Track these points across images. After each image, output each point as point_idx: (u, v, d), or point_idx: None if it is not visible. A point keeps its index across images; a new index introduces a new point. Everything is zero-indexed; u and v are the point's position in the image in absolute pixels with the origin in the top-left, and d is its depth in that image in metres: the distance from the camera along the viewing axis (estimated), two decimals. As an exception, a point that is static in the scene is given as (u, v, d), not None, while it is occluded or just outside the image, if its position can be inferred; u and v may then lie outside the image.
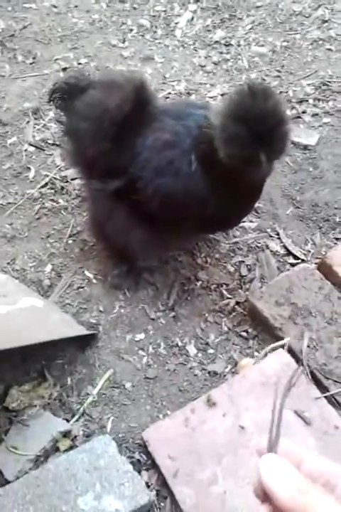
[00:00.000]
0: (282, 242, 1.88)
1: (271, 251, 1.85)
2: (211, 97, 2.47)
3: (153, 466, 1.35)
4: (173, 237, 1.72)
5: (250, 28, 2.91)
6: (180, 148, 1.54)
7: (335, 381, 1.43)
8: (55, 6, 3.09)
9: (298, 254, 1.83)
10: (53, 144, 2.27)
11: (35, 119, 2.40)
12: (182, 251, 1.85)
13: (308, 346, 1.50)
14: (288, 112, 2.36)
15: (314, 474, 0.64)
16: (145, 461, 1.37)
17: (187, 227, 1.62)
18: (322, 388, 1.44)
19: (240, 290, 1.74)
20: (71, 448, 1.40)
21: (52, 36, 2.90)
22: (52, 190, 2.09)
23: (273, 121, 1.38)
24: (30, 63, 2.72)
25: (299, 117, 2.35)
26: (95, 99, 1.63)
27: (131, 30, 2.96)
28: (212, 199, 1.51)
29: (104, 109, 1.58)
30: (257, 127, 1.36)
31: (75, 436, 1.44)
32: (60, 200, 2.05)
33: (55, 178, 2.12)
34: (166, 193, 1.54)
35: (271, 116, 1.38)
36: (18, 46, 2.83)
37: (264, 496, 0.64)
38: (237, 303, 1.70)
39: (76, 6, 3.09)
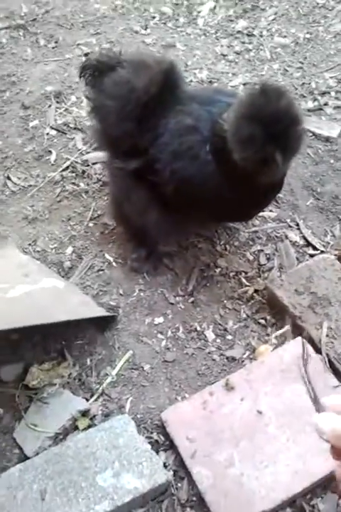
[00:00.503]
0: (301, 233, 1.89)
1: (290, 241, 1.87)
2: (233, 86, 2.48)
3: (171, 446, 1.38)
4: (190, 223, 1.74)
5: (273, 19, 2.92)
6: (200, 134, 1.55)
7: (353, 370, 1.45)
8: (78, -9, 3.11)
9: (317, 245, 1.85)
10: (75, 128, 2.30)
11: (57, 102, 2.42)
12: (202, 237, 1.87)
13: (327, 335, 1.52)
14: (310, 105, 2.38)
15: None
16: (163, 441, 1.40)
17: (203, 214, 1.64)
18: (341, 377, 1.46)
19: (259, 278, 1.76)
20: (89, 427, 1.43)
21: (74, 21, 2.92)
22: (73, 174, 2.11)
23: (288, 120, 1.39)
24: (53, 47, 2.75)
25: (321, 109, 2.35)
26: (123, 78, 1.65)
27: (154, 17, 2.97)
28: (229, 191, 1.53)
29: (131, 89, 1.60)
30: (272, 127, 1.36)
31: (94, 416, 1.46)
32: (81, 184, 2.07)
33: (76, 162, 2.15)
34: (182, 177, 1.56)
35: (285, 115, 1.38)
36: (41, 30, 2.86)
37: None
38: (256, 291, 1.72)
39: (99, -8, 3.11)
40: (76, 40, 2.79)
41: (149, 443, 1.37)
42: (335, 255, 1.76)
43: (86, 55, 2.69)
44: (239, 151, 1.43)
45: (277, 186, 1.63)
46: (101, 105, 1.70)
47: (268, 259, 1.82)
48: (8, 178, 2.11)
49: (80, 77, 1.79)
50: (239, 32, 2.85)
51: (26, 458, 1.38)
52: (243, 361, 1.56)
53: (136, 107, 1.60)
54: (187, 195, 1.57)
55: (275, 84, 1.54)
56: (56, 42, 2.79)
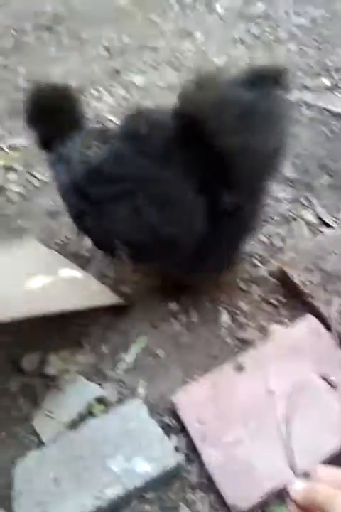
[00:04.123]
0: (315, 212, 1.84)
1: (304, 221, 1.81)
2: (249, 70, 2.43)
3: (182, 429, 1.35)
4: None
5: (290, 0, 2.84)
6: None
7: (364, 347, 1.40)
8: (99, -13, 3.10)
9: (330, 223, 1.79)
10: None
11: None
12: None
13: (338, 312, 1.47)
14: (326, 82, 2.31)
15: None
16: (174, 425, 1.37)
17: None
18: (351, 354, 1.41)
19: (272, 260, 1.71)
20: (104, 413, 1.42)
21: (96, 18, 2.90)
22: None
23: None
24: (75, 45, 2.74)
25: (337, 86, 2.28)
26: None
27: (172, 6, 2.93)
28: None
29: None
30: None
31: (109, 402, 1.45)
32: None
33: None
34: None
35: None
36: (64, 29, 2.85)
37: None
38: (269, 272, 1.68)
39: (118, -15, 3.10)
40: (98, 36, 2.77)
41: (161, 427, 1.35)
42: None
43: (107, 49, 2.67)
44: None
45: None
46: None
47: (281, 240, 1.77)
48: (31, 173, 2.11)
49: None
50: (256, 15, 2.78)
51: (43, 445, 1.38)
52: (255, 342, 1.52)
53: None
54: None
55: None
56: (79, 39, 2.78)
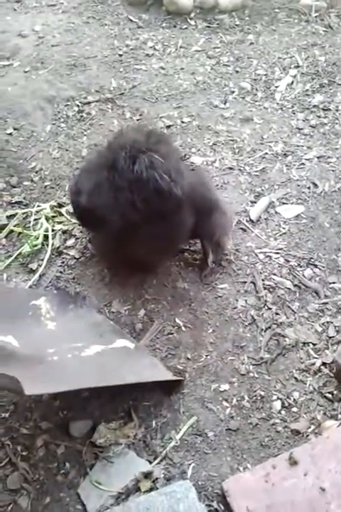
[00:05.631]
0: (373, 305, 1.82)
1: (360, 313, 1.80)
2: (307, 159, 2.46)
3: (231, 517, 1.32)
4: None
5: (348, 94, 2.89)
6: None
7: None
8: (163, 68, 3.19)
9: None
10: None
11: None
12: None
13: None
14: None
15: None
16: (223, 510, 1.34)
17: None
18: None
19: (327, 351, 1.69)
20: (151, 489, 1.40)
21: (158, 95, 2.99)
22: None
23: None
24: (137, 120, 2.81)
25: None
26: None
27: (233, 92, 3.00)
28: None
29: None
30: None
31: (156, 479, 1.43)
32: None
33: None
34: None
35: None
36: (127, 104, 2.93)
37: None
38: (324, 363, 1.66)
39: (182, 68, 3.18)
40: (159, 113, 2.84)
41: (209, 511, 1.32)
42: None
43: (168, 127, 2.74)
44: None
45: None
46: None
47: (337, 331, 1.75)
48: (89, 240, 2.14)
49: None
50: (315, 106, 2.83)
51: (88, 515, 1.36)
52: (307, 435, 1.49)
53: None
54: None
55: None
56: (141, 114, 2.86)
